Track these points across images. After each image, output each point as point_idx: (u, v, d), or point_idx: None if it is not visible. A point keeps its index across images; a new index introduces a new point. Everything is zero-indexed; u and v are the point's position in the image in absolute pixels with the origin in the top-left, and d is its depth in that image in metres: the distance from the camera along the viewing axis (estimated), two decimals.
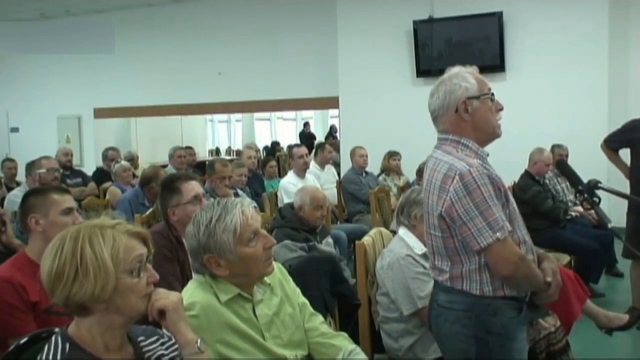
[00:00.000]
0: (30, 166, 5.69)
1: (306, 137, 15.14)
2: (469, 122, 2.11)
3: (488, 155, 2.15)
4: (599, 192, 2.22)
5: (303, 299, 2.17)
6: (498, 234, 1.97)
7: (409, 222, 3.05)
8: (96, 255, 1.41)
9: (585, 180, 2.36)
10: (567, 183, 5.99)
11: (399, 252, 2.97)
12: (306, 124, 16.29)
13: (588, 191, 2.20)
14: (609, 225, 2.12)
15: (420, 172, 5.65)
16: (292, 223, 3.79)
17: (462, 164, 2.02)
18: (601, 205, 2.33)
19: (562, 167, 2.43)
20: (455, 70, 2.18)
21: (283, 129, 17.21)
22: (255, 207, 2.03)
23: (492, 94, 2.15)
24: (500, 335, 2.07)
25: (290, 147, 7.20)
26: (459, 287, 2.10)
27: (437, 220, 2.09)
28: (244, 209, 1.92)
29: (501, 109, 2.17)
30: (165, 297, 1.55)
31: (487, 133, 2.14)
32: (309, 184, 5.73)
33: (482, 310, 2.07)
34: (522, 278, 2.04)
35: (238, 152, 13.97)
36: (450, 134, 2.14)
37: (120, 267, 1.43)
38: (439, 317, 2.19)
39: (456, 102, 2.10)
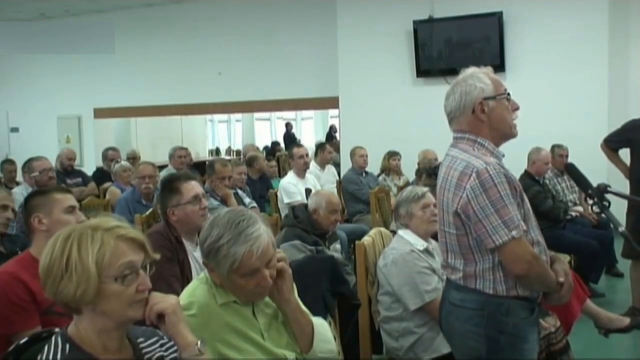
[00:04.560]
0: (25, 166, 5.68)
1: (290, 139, 14.99)
2: (486, 122, 2.13)
3: (504, 156, 2.17)
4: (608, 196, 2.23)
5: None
6: (513, 232, 1.98)
7: (402, 223, 3.15)
8: (81, 257, 1.40)
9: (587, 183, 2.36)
10: (567, 183, 6.00)
11: (403, 249, 3.01)
12: (288, 125, 15.95)
13: (598, 195, 2.20)
14: (620, 229, 2.12)
15: (419, 172, 5.65)
16: (304, 224, 3.76)
17: (479, 161, 2.03)
18: None
19: (571, 171, 2.43)
20: (470, 71, 2.19)
21: (283, 129, 17.18)
22: (254, 207, 2.02)
23: (508, 94, 2.17)
24: (511, 335, 2.08)
25: (290, 147, 7.20)
26: (472, 286, 2.11)
27: (452, 218, 2.10)
28: (254, 248, 1.81)
29: (517, 109, 2.19)
30: (163, 300, 1.54)
31: (504, 132, 2.17)
32: (324, 188, 5.76)
33: (494, 309, 2.08)
34: (535, 277, 2.05)
35: (238, 152, 14.00)
36: (467, 133, 2.15)
37: (105, 272, 1.41)
38: (450, 315, 2.20)
39: (472, 102, 2.12)
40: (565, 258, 4.88)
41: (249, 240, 1.82)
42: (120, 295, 1.43)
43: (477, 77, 2.15)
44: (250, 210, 2.04)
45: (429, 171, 5.13)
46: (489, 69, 2.21)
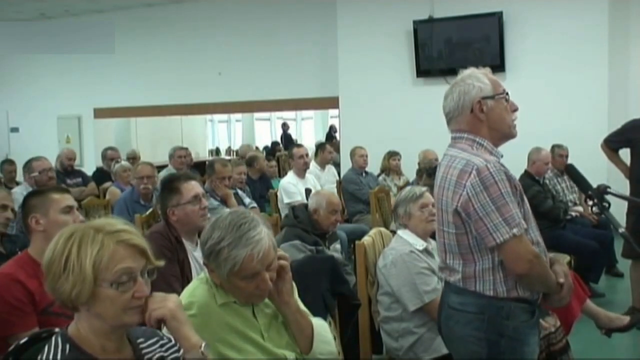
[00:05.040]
0: (25, 167, 5.70)
1: (287, 139, 14.98)
2: (485, 122, 2.13)
3: (502, 156, 2.16)
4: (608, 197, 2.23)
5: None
6: (514, 230, 1.97)
7: (401, 222, 3.17)
8: (79, 258, 1.40)
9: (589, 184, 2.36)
10: (567, 183, 6.00)
11: (402, 249, 3.02)
12: (284, 125, 15.91)
13: (598, 196, 2.20)
14: (620, 230, 2.12)
15: (420, 172, 5.65)
16: (304, 224, 3.75)
17: (479, 159, 2.03)
18: None
19: (571, 172, 2.43)
20: (468, 71, 2.19)
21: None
22: (254, 207, 2.01)
23: (507, 94, 2.16)
24: (512, 338, 2.07)
25: (290, 147, 7.21)
26: (472, 289, 2.09)
27: (451, 217, 2.09)
28: (255, 252, 1.81)
29: (516, 109, 2.19)
30: (161, 305, 1.52)
31: (503, 132, 2.16)
32: (325, 188, 5.76)
33: (495, 312, 2.06)
34: (536, 277, 2.04)
35: (237, 152, 13.99)
36: (465, 132, 2.15)
37: (101, 275, 1.40)
38: (450, 319, 2.18)
39: (471, 102, 2.12)
40: (565, 258, 4.89)
41: (250, 244, 1.82)
42: (115, 301, 1.42)
43: (476, 77, 2.15)
44: (251, 212, 2.04)
45: (429, 171, 5.13)
46: (487, 70, 2.21)
